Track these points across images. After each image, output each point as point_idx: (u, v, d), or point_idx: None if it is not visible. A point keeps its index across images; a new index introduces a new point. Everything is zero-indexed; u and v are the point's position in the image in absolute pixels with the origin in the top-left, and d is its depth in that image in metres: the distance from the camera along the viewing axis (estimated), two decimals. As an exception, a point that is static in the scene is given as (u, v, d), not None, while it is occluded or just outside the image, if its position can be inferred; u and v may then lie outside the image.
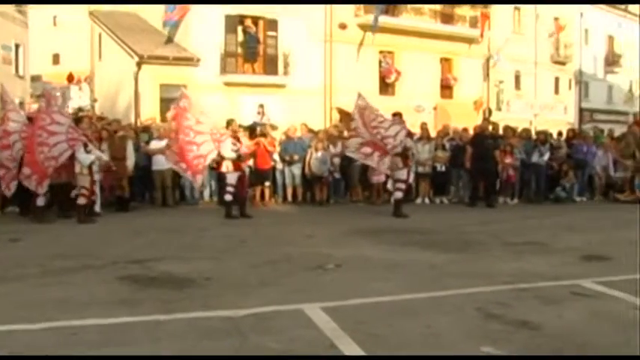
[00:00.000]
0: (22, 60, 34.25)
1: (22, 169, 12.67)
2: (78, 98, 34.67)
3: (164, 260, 8.79)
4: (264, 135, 15.93)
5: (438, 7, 32.38)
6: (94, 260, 8.77)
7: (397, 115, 14.95)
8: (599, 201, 18.48)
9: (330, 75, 29.42)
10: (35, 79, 37.76)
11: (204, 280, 7.58)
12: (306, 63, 27.99)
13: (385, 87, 31.18)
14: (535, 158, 17.39)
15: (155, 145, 15.37)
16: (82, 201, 12.84)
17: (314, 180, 16.53)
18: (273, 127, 18.11)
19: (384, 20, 29.37)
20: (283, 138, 16.95)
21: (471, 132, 17.88)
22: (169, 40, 26.16)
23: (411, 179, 15.64)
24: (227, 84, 26.09)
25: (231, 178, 13.75)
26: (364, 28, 29.91)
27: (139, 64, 25.03)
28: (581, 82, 43.46)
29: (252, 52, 27.14)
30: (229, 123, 14.32)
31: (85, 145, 12.75)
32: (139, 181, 15.56)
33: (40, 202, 12.82)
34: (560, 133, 20.43)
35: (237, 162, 13.73)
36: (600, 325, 5.92)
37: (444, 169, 17.29)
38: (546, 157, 17.53)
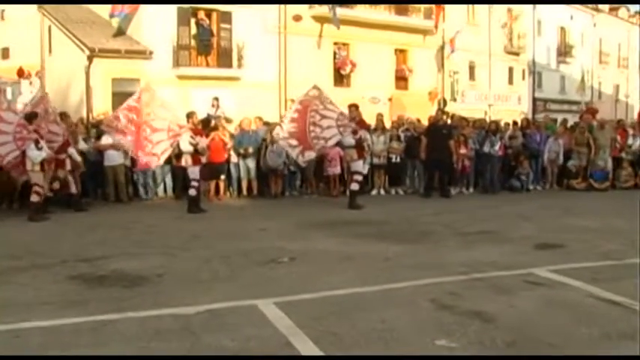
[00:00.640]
0: (-30, 55, 33.52)
1: None
2: (29, 93, 33.96)
3: (115, 258, 8.63)
4: (216, 128, 15.73)
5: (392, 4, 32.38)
6: (43, 259, 8.60)
7: (353, 107, 14.90)
8: (553, 189, 18.65)
9: (284, 67, 29.20)
10: (-17, 74, 36.91)
11: (156, 277, 7.47)
12: (261, 55, 27.76)
13: (340, 78, 31.06)
14: (487, 148, 17.45)
15: (106, 140, 15.08)
16: (34, 198, 12.57)
17: (269, 173, 16.41)
18: (228, 120, 17.93)
19: (339, 12, 29.24)
20: (237, 131, 16.78)
21: (425, 123, 17.90)
22: (119, 32, 25.65)
23: (366, 170, 15.62)
24: (180, 77, 25.70)
25: (193, 172, 13.60)
26: (319, 19, 29.77)
27: (90, 58, 24.49)
28: (535, 73, 43.86)
29: (206, 44, 26.77)
30: (189, 116, 14.10)
31: (37, 142, 12.46)
32: (90, 178, 15.24)
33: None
34: (515, 123, 20.56)
35: (197, 155, 13.58)
36: (554, 314, 5.94)
37: (399, 160, 17.28)
38: (497, 146, 17.58)
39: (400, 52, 33.97)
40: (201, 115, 16.71)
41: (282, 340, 5.23)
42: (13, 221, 12.36)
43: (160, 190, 16.15)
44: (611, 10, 54.24)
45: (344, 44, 31.39)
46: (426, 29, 33.90)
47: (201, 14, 26.60)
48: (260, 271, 7.76)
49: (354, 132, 14.00)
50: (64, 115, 16.42)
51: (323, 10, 29.01)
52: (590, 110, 23.53)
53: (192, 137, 13.50)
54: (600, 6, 51.32)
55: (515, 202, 15.61)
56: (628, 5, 56.77)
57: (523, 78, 42.78)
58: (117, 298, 6.51)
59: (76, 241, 10.22)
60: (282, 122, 14.27)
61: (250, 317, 5.82)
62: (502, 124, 19.51)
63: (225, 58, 27.36)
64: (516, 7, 40.47)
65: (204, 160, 13.85)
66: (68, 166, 13.63)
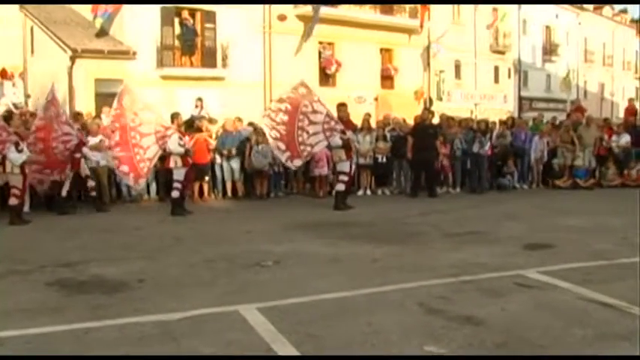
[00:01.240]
0: (-49, 56, 33.09)
1: None
2: (12, 94, 33.64)
3: (96, 262, 8.43)
4: (200, 129, 15.51)
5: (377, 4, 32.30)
6: (22, 265, 8.37)
7: (343, 106, 14.71)
8: (539, 188, 18.56)
9: (269, 67, 29.06)
10: (-34, 75, 36.52)
11: (137, 282, 7.27)
12: (245, 55, 27.58)
13: (326, 78, 30.93)
14: (475, 149, 17.33)
15: (91, 142, 14.82)
16: (13, 201, 12.35)
17: (254, 174, 16.23)
18: (212, 121, 17.69)
19: (324, 11, 29.10)
20: (220, 132, 16.56)
21: (411, 122, 17.76)
22: (102, 32, 25.45)
23: (353, 171, 15.45)
24: (164, 77, 25.47)
25: (179, 174, 13.43)
26: (303, 19, 29.62)
27: (72, 59, 24.23)
28: (520, 72, 43.92)
29: (190, 44, 26.55)
30: (174, 117, 13.91)
31: (17, 144, 12.21)
32: (72, 179, 14.97)
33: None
34: (504, 122, 20.42)
35: (186, 157, 13.41)
36: (545, 317, 5.79)
37: (385, 160, 17.13)
38: (487, 147, 17.50)
39: (386, 52, 33.89)
40: (185, 116, 16.54)
41: (263, 346, 5.07)
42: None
43: (144, 192, 15.90)
44: (595, 8, 54.42)
45: (329, 43, 31.29)
46: (411, 28, 33.86)
47: (185, 14, 26.40)
48: (244, 276, 7.57)
49: (343, 132, 13.83)
50: (79, 115, 16.31)
51: (308, 9, 28.87)
52: (579, 108, 23.46)
53: (180, 138, 13.32)
54: (585, 5, 51.47)
55: (502, 201, 15.48)
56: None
57: (509, 77, 42.83)
58: (96, 305, 6.32)
59: (56, 245, 9.99)
60: (271, 119, 13.67)
61: (232, 323, 5.65)
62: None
63: (209, 58, 27.16)
64: (502, 7, 40.39)
65: (190, 162, 13.66)
66: (84, 166, 13.73)
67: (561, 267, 7.81)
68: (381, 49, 33.58)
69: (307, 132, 13.36)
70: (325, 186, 16.59)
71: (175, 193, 13.43)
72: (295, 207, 14.79)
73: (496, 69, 41.59)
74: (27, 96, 31.06)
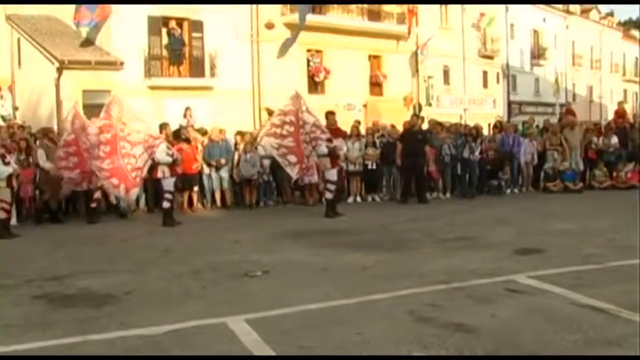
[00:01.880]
0: (-61, 69, 32.92)
1: None
2: (0, 107, 33.48)
3: (83, 275, 8.34)
4: (187, 140, 15.41)
5: (365, 4, 32.28)
6: (7, 279, 8.29)
7: (331, 114, 14.64)
8: (529, 192, 18.54)
9: (257, 75, 29.02)
10: (-47, 88, 36.30)
11: (124, 295, 7.19)
12: (233, 64, 27.51)
13: (314, 86, 30.90)
14: (466, 154, 17.29)
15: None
16: (1, 215, 12.22)
17: (243, 183, 16.15)
18: (199, 131, 17.55)
19: (311, 18, 29.03)
20: (206, 142, 16.43)
21: (401, 128, 17.71)
22: (88, 42, 25.30)
23: (343, 178, 15.42)
24: (152, 88, 25.36)
25: (168, 184, 13.37)
26: (291, 27, 29.56)
27: (59, 70, 24.14)
28: (509, 76, 44.05)
29: (178, 54, 26.47)
30: (163, 127, 13.88)
31: (3, 157, 12.10)
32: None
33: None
34: (495, 126, 20.39)
35: (173, 166, 13.34)
36: (536, 323, 5.74)
37: (374, 166, 17.06)
38: (477, 152, 17.46)
39: (374, 58, 33.91)
40: (174, 126, 16.43)
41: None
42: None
43: (133, 204, 15.77)
44: (582, 12, 54.66)
45: (317, 51, 31.25)
46: (399, 34, 33.91)
47: (173, 23, 26.34)
48: (232, 287, 7.50)
49: (329, 140, 13.78)
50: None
51: (295, 17, 28.79)
52: (570, 111, 23.46)
53: (168, 147, 13.26)
54: (572, 8, 51.70)
55: (492, 206, 15.45)
56: (598, 6, 57.31)
57: (498, 81, 42.93)
58: (82, 320, 6.23)
59: (43, 258, 9.86)
60: (277, 135, 13.68)
61: (219, 336, 5.58)
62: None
63: (197, 68, 27.11)
64: (489, 11, 40.51)
65: (179, 171, 13.56)
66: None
67: (552, 271, 7.77)
68: (370, 56, 33.59)
69: (310, 147, 13.49)
70: (315, 194, 16.51)
71: (166, 204, 13.35)
72: (285, 216, 14.72)
73: (485, 74, 41.67)
74: (15, 108, 30.87)
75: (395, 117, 23.75)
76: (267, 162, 16.32)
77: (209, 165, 15.92)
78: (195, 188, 15.81)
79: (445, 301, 6.53)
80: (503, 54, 42.86)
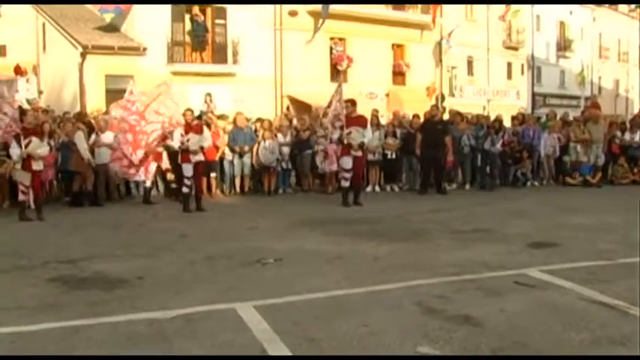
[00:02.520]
0: (-33, 52, 33.26)
1: None
2: (25, 91, 33.75)
3: (99, 259, 8.43)
4: (208, 125, 15.45)
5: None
6: (26, 260, 8.41)
7: (349, 102, 14.61)
8: (550, 185, 18.43)
9: (280, 63, 29.03)
10: (-19, 72, 36.62)
11: (136, 279, 7.24)
12: (256, 51, 27.55)
13: (337, 74, 30.82)
14: (487, 146, 17.21)
15: (106, 138, 14.82)
16: (21, 197, 12.37)
17: (262, 170, 16.20)
18: (220, 117, 17.61)
19: (335, 7, 29.01)
20: (230, 128, 16.48)
21: (422, 118, 17.65)
22: (112, 27, 25.47)
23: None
24: (175, 73, 25.40)
25: (186, 170, 13.43)
26: (314, 15, 29.56)
27: (83, 55, 24.36)
28: (534, 67, 43.67)
29: (201, 40, 26.60)
30: (185, 112, 13.92)
31: (18, 139, 12.20)
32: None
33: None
34: (515, 118, 20.25)
35: (185, 153, 13.36)
36: (543, 318, 5.69)
37: (394, 156, 17.04)
38: (498, 145, 17.36)
39: (397, 47, 33.78)
40: (196, 112, 16.48)
41: (257, 348, 5.01)
42: (3, 220, 12.24)
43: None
44: (610, 4, 53.93)
45: (340, 39, 31.16)
46: (423, 24, 33.74)
47: (196, 10, 26.42)
48: (243, 273, 7.54)
49: (341, 128, 13.85)
50: (83, 114, 16.36)
51: (318, 5, 28.81)
52: (595, 104, 23.21)
53: (182, 135, 13.32)
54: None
55: (512, 198, 15.37)
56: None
57: (522, 73, 42.58)
58: (93, 302, 6.30)
59: (61, 241, 9.99)
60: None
61: (227, 322, 5.60)
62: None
63: (220, 54, 27.21)
64: (514, 5, 40.18)
65: (195, 158, 13.53)
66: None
67: (565, 266, 7.72)
68: (393, 45, 33.47)
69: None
70: (334, 182, 16.51)
71: (185, 190, 13.43)
72: (302, 203, 14.77)
73: (509, 65, 41.35)
74: (40, 92, 31.15)
75: (417, 107, 23.63)
76: (286, 149, 16.38)
77: (232, 151, 15.96)
78: (213, 174, 15.82)
79: (454, 293, 6.51)
80: (529, 45, 42.48)
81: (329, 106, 14.44)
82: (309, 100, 26.32)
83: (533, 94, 43.50)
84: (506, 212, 12.98)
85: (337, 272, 7.50)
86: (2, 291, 6.85)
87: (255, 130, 16.58)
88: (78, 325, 5.55)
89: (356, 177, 14.15)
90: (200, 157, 13.59)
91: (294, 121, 18.11)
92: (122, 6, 25.62)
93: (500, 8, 39.28)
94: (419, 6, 33.35)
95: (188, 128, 13.47)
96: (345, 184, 14.05)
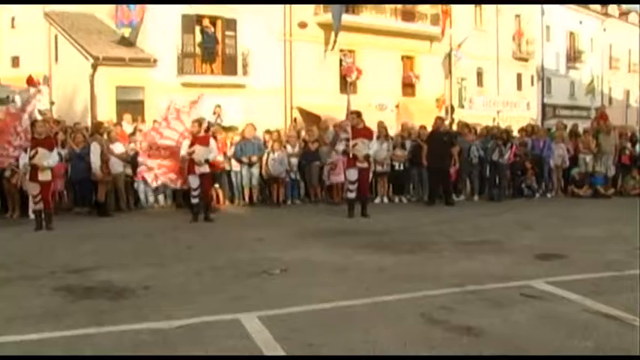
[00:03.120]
0: (-19, 64, 33.57)
1: None
2: (37, 102, 33.95)
3: (105, 268, 8.47)
4: (214, 136, 15.50)
5: (398, 4, 32.24)
6: (32, 270, 8.47)
7: (354, 114, 14.59)
8: (558, 196, 18.40)
9: (290, 74, 29.12)
10: (-6, 83, 36.88)
11: (142, 289, 7.28)
12: (266, 62, 27.66)
13: (346, 85, 30.88)
14: (495, 157, 17.22)
15: (115, 150, 14.95)
16: (35, 207, 12.51)
17: (271, 181, 16.26)
18: (232, 129, 17.72)
19: (345, 18, 29.11)
20: (237, 139, 16.55)
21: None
22: (127, 42, 25.60)
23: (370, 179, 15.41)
24: (185, 85, 25.56)
25: (192, 181, 13.48)
26: (324, 26, 29.65)
27: (94, 66, 24.52)
28: (544, 78, 43.65)
29: (211, 52, 26.73)
30: (195, 123, 13.96)
31: (25, 150, 12.31)
32: (89, 186, 15.08)
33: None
34: (524, 129, 20.22)
35: (191, 164, 13.42)
36: (546, 330, 5.70)
37: (402, 167, 17.07)
38: (507, 156, 17.36)
39: (407, 59, 33.85)
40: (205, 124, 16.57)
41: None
42: (14, 230, 12.38)
43: (161, 198, 15.99)
44: (621, 15, 53.89)
45: (350, 51, 31.21)
46: (432, 35, 33.78)
47: (206, 22, 26.55)
48: (249, 283, 7.57)
49: (347, 140, 13.92)
50: (100, 125, 16.43)
51: (328, 17, 28.90)
52: (603, 115, 23.17)
53: (189, 146, 13.40)
54: (610, 11, 50.99)
55: (518, 210, 15.37)
56: (638, 8, 56.38)
57: (532, 84, 42.55)
58: (99, 312, 6.34)
59: (68, 250, 10.08)
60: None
61: (230, 332, 5.63)
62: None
63: (230, 66, 27.31)
64: (525, 14, 40.19)
65: (200, 169, 13.56)
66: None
67: (570, 278, 7.70)
68: (403, 57, 33.54)
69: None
70: (341, 193, 16.54)
71: (194, 200, 13.51)
72: (310, 214, 14.80)
73: (519, 76, 41.34)
74: (51, 103, 31.34)
75: (427, 118, 23.61)
76: (294, 160, 16.44)
77: (240, 162, 16.02)
78: (216, 185, 15.80)
79: (458, 304, 6.52)
80: (538, 56, 42.47)
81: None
82: (319, 112, 26.39)
83: (543, 105, 43.46)
84: (513, 223, 12.98)
85: (342, 283, 7.52)
86: (8, 300, 6.90)
87: (265, 142, 16.65)
88: (82, 334, 5.60)
89: (362, 189, 14.16)
90: (205, 169, 13.61)
91: (303, 133, 18.17)
92: (137, 18, 25.77)
93: (510, 18, 39.25)
94: (428, 17, 33.39)
95: (194, 140, 13.53)
96: (351, 195, 14.06)
